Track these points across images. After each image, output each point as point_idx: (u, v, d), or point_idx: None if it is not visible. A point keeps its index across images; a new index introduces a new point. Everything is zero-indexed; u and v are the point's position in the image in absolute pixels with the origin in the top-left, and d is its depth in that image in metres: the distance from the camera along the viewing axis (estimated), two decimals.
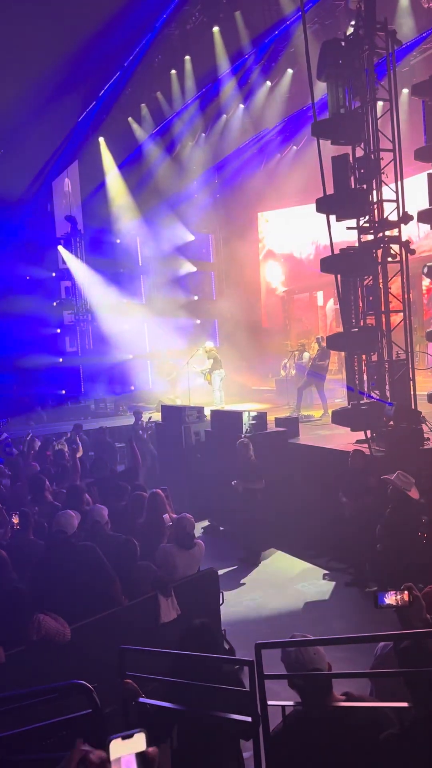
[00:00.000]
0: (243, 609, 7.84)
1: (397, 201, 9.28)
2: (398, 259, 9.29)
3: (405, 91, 16.00)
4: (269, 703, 3.04)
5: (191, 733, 3.39)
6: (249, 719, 3.04)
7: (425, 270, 9.71)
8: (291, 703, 2.96)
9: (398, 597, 3.31)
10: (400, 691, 3.02)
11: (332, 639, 3.03)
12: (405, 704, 2.67)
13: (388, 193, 9.40)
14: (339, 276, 9.31)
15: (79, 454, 11.80)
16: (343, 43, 9.34)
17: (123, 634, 4.78)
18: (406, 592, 3.30)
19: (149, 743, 1.53)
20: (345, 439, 9.94)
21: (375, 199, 9.38)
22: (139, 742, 1.53)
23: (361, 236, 9.66)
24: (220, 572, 6.81)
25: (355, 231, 9.63)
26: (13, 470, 9.63)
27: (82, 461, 10.20)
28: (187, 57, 19.33)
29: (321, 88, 9.86)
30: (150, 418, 14.66)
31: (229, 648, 6.49)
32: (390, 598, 3.33)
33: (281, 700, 3.07)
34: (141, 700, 3.45)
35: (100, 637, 5.03)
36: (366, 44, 9.26)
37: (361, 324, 9.57)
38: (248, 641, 6.52)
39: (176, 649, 3.62)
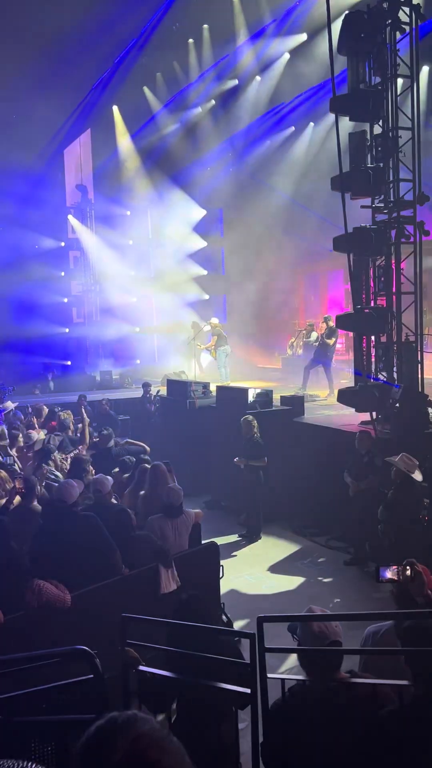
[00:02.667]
0: (242, 583, 7.91)
1: (414, 181, 9.15)
2: (412, 240, 9.19)
3: (426, 68, 15.73)
4: (269, 676, 3.06)
5: (188, 702, 3.43)
6: (248, 691, 3.07)
7: None
8: (290, 676, 2.99)
9: (400, 572, 3.32)
10: (391, 669, 3.05)
11: (341, 615, 3.04)
12: (405, 682, 2.68)
13: (404, 172, 9.27)
14: (351, 255, 9.22)
15: (86, 426, 11.84)
16: (365, 16, 9.14)
17: (123, 603, 4.82)
18: (407, 567, 3.31)
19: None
20: (350, 419, 9.94)
21: (391, 178, 9.26)
22: None
23: (376, 215, 9.55)
24: (221, 546, 6.85)
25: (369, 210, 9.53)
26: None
27: (89, 432, 10.24)
28: (206, 26, 18.99)
29: (341, 63, 9.68)
30: (158, 391, 14.65)
31: (227, 621, 6.57)
32: (391, 573, 3.33)
33: (279, 673, 3.11)
34: (141, 668, 3.49)
35: (100, 605, 5.08)
36: (389, 18, 9.07)
37: (372, 304, 9.51)
38: (246, 615, 6.63)
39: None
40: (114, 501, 6.53)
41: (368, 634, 3.63)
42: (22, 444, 9.52)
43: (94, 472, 7.46)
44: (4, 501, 6.67)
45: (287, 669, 4.69)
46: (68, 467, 7.85)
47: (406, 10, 9.07)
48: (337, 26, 9.26)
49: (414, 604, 3.30)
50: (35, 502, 6.57)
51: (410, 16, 9.09)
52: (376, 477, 7.86)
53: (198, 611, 3.69)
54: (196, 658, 3.27)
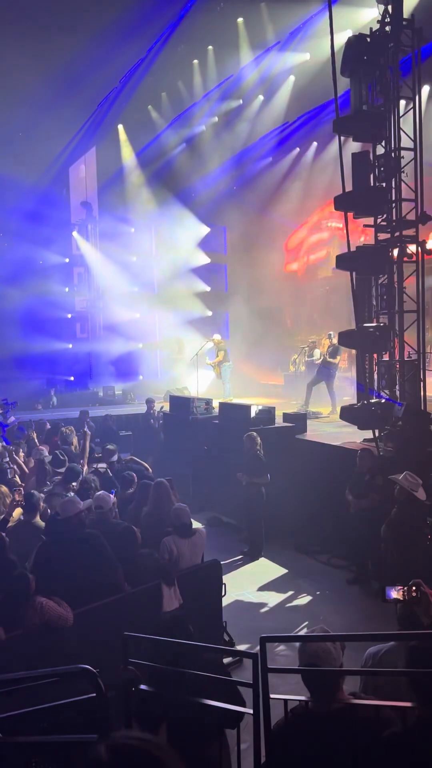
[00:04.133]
0: (244, 601, 7.87)
1: (416, 200, 9.23)
2: (414, 259, 9.25)
3: (427, 87, 15.87)
4: (272, 696, 3.05)
5: (178, 721, 3.41)
6: (251, 712, 3.06)
7: None
8: (293, 697, 2.97)
9: (406, 592, 3.32)
10: (391, 691, 3.04)
11: (337, 636, 3.03)
12: (409, 704, 2.67)
13: (407, 192, 9.35)
14: (354, 273, 9.28)
15: (87, 438, 11.84)
16: (368, 39, 9.27)
17: (125, 621, 4.81)
18: (414, 587, 3.31)
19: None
20: (352, 437, 9.93)
21: (393, 198, 9.33)
22: None
23: (378, 234, 9.62)
24: (223, 564, 6.83)
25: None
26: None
27: (91, 448, 10.24)
28: (210, 47, 19.24)
29: (344, 84, 9.80)
30: (162, 407, 14.67)
31: (229, 639, 6.54)
32: (397, 593, 3.33)
33: (280, 694, 3.09)
34: (142, 687, 3.48)
35: (102, 623, 5.06)
36: (391, 41, 9.19)
37: (374, 322, 9.54)
38: (248, 634, 6.59)
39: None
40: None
41: (368, 656, 3.62)
42: (22, 459, 9.54)
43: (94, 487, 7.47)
44: (2, 516, 6.66)
45: (290, 689, 4.67)
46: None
47: (408, 32, 9.20)
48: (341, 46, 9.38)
49: (418, 626, 3.29)
50: (38, 518, 6.57)
51: (412, 39, 9.22)
52: (378, 495, 7.84)
53: (181, 631, 3.65)
54: (184, 677, 3.25)
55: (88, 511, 6.11)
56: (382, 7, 9.31)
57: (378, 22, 9.49)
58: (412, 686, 2.72)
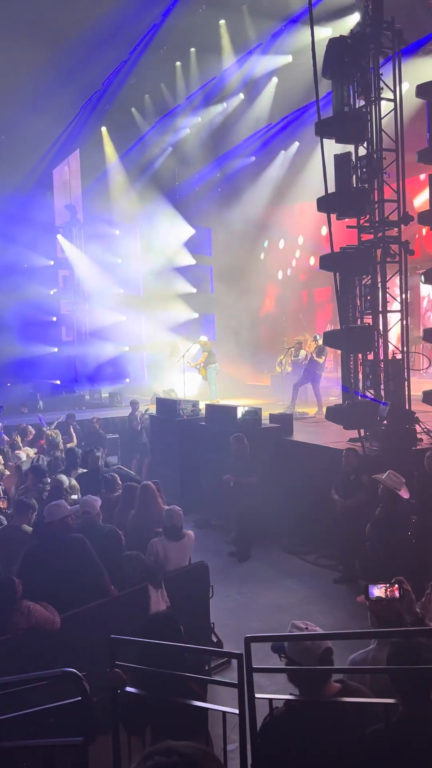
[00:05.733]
0: (232, 603, 7.88)
1: (398, 201, 9.30)
2: (397, 259, 9.32)
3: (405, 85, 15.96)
4: (257, 696, 3.07)
5: (161, 723, 3.41)
6: (237, 712, 3.07)
7: (422, 278, 9.74)
8: (278, 696, 2.99)
9: (388, 590, 3.35)
10: (371, 687, 3.06)
11: (324, 634, 3.05)
12: (392, 701, 2.70)
13: (389, 192, 9.42)
14: (338, 274, 9.33)
15: (73, 443, 11.83)
16: (349, 41, 9.33)
17: (112, 625, 4.81)
18: (396, 585, 3.34)
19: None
20: (338, 436, 9.97)
21: (376, 199, 9.40)
22: None
23: (362, 235, 9.68)
24: (210, 565, 6.84)
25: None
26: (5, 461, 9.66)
27: (74, 451, 10.19)
28: (193, 49, 19.26)
29: (326, 86, 9.85)
30: (147, 410, 14.66)
31: (216, 641, 6.55)
32: (379, 591, 3.37)
33: (270, 693, 3.11)
34: (127, 689, 3.48)
35: (90, 626, 5.06)
36: (372, 43, 9.26)
37: (359, 323, 9.60)
38: (236, 635, 6.59)
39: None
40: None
41: (352, 663, 3.61)
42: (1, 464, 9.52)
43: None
44: None
45: (278, 688, 4.68)
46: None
47: (389, 34, 9.28)
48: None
49: (399, 623, 3.32)
50: (25, 524, 6.54)
51: (393, 41, 9.29)
52: (363, 494, 7.88)
53: (170, 629, 3.64)
54: (163, 677, 3.25)
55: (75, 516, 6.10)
56: (362, 8, 9.39)
57: (358, 24, 9.56)
58: (394, 684, 2.74)
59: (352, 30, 9.72)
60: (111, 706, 3.51)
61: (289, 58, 17.80)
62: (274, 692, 3.12)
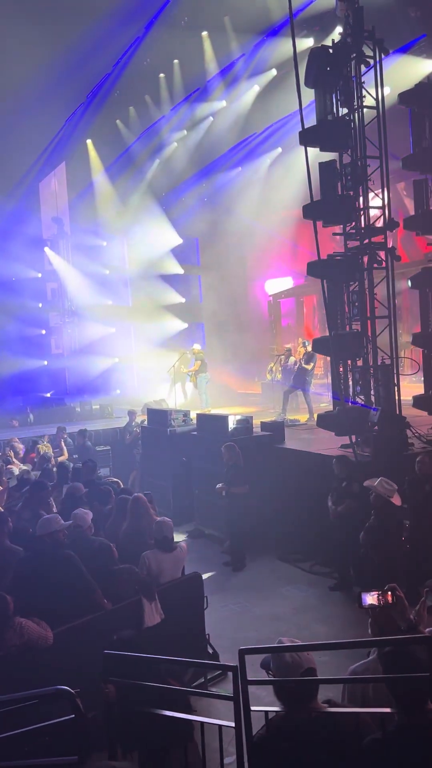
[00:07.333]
0: (227, 613, 7.83)
1: (383, 208, 9.35)
2: (384, 265, 9.36)
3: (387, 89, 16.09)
4: (253, 708, 3.04)
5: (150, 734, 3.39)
6: (232, 725, 3.04)
7: (409, 283, 9.79)
8: (273, 708, 2.96)
9: (381, 597, 3.33)
10: (373, 698, 3.04)
11: (318, 645, 3.03)
12: (388, 710, 2.68)
13: (374, 199, 9.48)
14: (325, 281, 9.36)
15: (63, 457, 11.77)
16: (331, 51, 9.40)
17: (106, 639, 4.76)
18: (389, 592, 3.32)
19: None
20: (330, 443, 9.97)
21: (361, 206, 9.44)
22: None
23: (348, 242, 9.72)
24: (205, 576, 6.80)
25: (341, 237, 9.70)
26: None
27: (64, 466, 10.12)
28: (176, 61, 19.36)
29: (309, 94, 9.91)
30: (142, 420, 14.59)
31: (212, 652, 6.50)
32: (372, 598, 3.35)
33: (265, 705, 3.08)
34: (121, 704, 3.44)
35: (83, 641, 5.00)
36: (354, 52, 9.33)
37: (347, 329, 9.62)
38: (232, 645, 6.55)
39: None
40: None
41: (353, 674, 3.59)
42: None
43: (55, 507, 7.42)
44: None
45: (274, 700, 4.64)
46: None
47: (370, 44, 9.35)
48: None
49: (393, 631, 3.30)
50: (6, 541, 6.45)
51: (374, 50, 9.36)
52: (354, 502, 7.86)
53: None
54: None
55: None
56: (343, 19, 9.46)
57: (340, 34, 9.63)
58: (391, 692, 2.72)
59: (333, 40, 9.79)
60: (105, 723, 3.47)
61: (273, 72, 17.94)
62: (271, 704, 3.09)
